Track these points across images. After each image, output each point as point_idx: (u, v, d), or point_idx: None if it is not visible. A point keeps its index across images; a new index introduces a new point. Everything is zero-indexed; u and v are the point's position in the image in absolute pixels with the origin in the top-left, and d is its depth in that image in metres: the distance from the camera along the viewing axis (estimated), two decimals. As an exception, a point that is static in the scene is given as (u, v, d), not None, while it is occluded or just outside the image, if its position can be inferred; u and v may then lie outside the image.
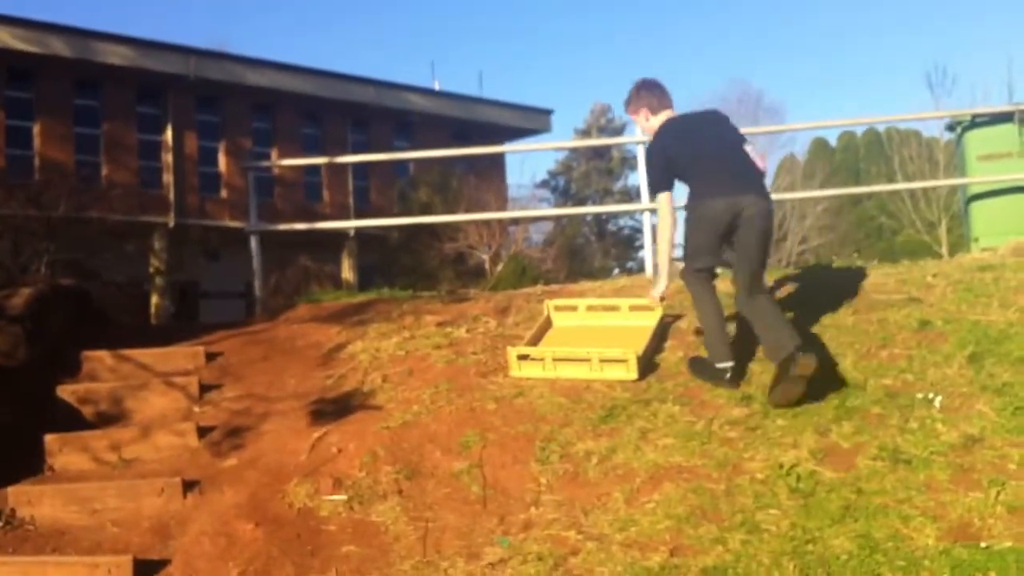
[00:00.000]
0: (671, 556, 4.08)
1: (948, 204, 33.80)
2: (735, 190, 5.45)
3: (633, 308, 6.44)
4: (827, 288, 6.88)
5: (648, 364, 5.80)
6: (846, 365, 5.54)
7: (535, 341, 6.18)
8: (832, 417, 4.94)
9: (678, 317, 6.51)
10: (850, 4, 74.74)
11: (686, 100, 76.38)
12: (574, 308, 6.63)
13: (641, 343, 5.86)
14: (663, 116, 5.84)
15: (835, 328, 6.02)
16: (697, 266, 5.61)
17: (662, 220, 5.66)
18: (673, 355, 5.90)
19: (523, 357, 5.84)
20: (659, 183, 5.71)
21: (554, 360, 5.76)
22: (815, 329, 6.04)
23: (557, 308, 6.62)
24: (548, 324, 6.48)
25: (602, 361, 5.68)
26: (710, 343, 5.55)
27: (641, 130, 6.23)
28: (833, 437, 4.77)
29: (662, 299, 5.86)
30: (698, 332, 5.98)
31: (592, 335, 6.19)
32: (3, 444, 5.38)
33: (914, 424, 4.81)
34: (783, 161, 45.67)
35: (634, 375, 5.60)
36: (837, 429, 4.82)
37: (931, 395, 5.05)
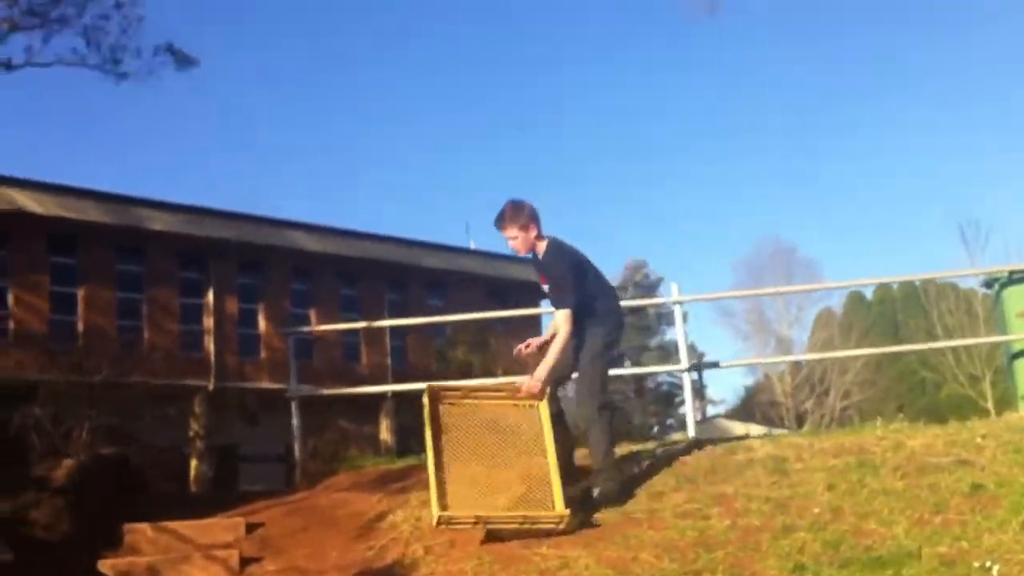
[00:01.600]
0: None
1: (991, 358, 33.48)
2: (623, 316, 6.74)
3: (518, 395, 6.18)
4: (875, 451, 6.77)
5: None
6: (898, 532, 5.40)
7: (441, 478, 5.83)
8: (888, 588, 4.79)
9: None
10: (879, 158, 75.89)
11: (722, 254, 77.11)
12: (457, 390, 6.37)
13: (546, 458, 5.93)
14: (546, 238, 6.41)
15: (885, 494, 5.89)
16: (607, 398, 6.40)
17: (567, 335, 6.13)
18: (720, 523, 5.78)
19: (448, 522, 5.74)
20: (573, 298, 6.21)
21: (489, 522, 5.77)
22: (864, 494, 5.92)
23: (440, 391, 6.24)
24: (436, 418, 6.07)
25: (535, 522, 5.78)
26: (614, 469, 6.35)
27: (516, 245, 6.41)
28: (890, 609, 4.62)
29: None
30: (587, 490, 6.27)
31: (485, 432, 6.03)
32: (43, 621, 5.33)
33: (973, 595, 4.66)
34: (820, 315, 45.68)
35: (563, 527, 5.76)
36: (894, 601, 4.67)
37: (988, 563, 4.89)
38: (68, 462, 6.79)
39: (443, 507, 5.75)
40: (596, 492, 6.22)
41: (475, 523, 5.78)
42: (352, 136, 75.16)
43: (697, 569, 5.23)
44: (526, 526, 5.80)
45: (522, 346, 6.58)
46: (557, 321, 6.29)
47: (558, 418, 6.27)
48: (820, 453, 6.86)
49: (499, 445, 6.06)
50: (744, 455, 7.02)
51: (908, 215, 75.87)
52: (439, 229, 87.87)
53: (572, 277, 6.29)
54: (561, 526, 5.78)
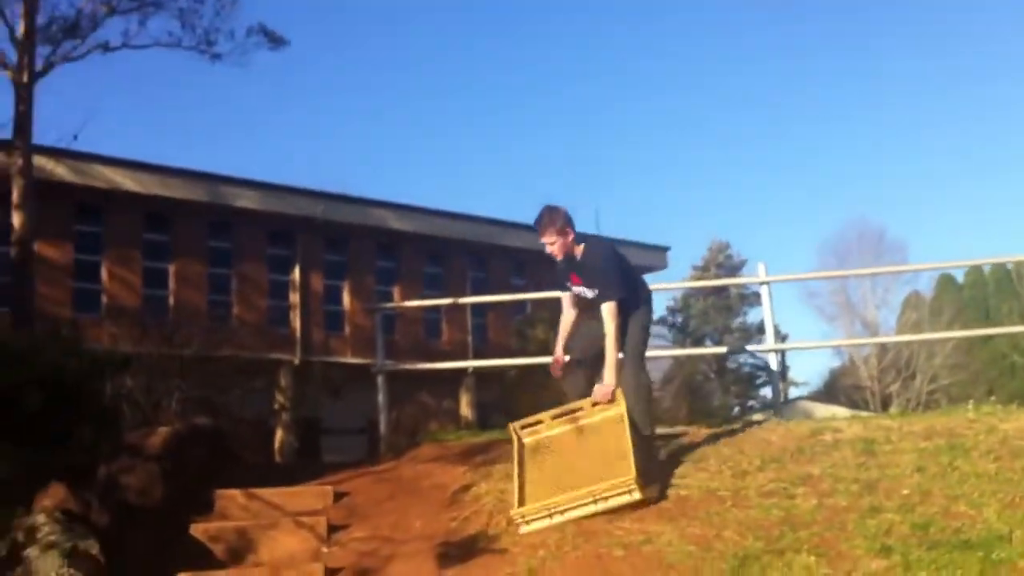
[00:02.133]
0: None
1: (1085, 342, 32.53)
2: None
3: (595, 404, 6.39)
4: (966, 433, 6.65)
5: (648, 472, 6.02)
6: (989, 515, 5.31)
7: (522, 480, 6.10)
8: (978, 571, 4.71)
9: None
10: (973, 138, 73.99)
11: (807, 236, 75.98)
12: (540, 421, 6.54)
13: (623, 442, 5.99)
14: (582, 239, 6.57)
15: (976, 477, 5.79)
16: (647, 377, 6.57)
17: (617, 328, 6.28)
18: (806, 502, 5.73)
19: (523, 517, 5.82)
20: (620, 292, 6.39)
21: (560, 511, 5.80)
22: (955, 477, 5.82)
23: (523, 426, 6.51)
24: (522, 448, 6.38)
25: (606, 498, 5.79)
26: (649, 422, 6.42)
27: (554, 250, 6.50)
28: (980, 593, 4.54)
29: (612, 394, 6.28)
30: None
31: (567, 442, 6.25)
32: (138, 583, 5.48)
33: (1068, 580, 4.56)
34: (908, 297, 44.80)
35: (639, 496, 5.77)
36: (984, 584, 4.59)
37: (1084, 549, 4.79)
38: (163, 430, 6.96)
39: (520, 503, 5.92)
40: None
41: (549, 515, 5.82)
42: (438, 117, 75.59)
43: (781, 548, 5.19)
44: (600, 505, 5.80)
45: (555, 368, 6.70)
46: (603, 315, 6.38)
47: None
48: (910, 435, 6.76)
49: (577, 445, 6.27)
50: (831, 436, 6.95)
51: (1002, 197, 73.89)
52: (522, 209, 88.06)
53: (617, 272, 6.46)
54: (635, 495, 5.78)
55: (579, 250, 6.54)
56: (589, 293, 6.51)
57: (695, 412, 25.08)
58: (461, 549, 5.74)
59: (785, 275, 10.77)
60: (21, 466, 6.69)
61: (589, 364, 6.57)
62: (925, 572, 4.75)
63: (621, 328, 6.37)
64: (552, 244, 6.47)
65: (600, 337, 6.41)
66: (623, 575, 5.13)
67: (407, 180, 72.94)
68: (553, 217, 6.45)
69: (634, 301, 6.54)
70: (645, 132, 77.30)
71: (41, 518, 5.50)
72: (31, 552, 5.19)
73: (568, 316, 6.76)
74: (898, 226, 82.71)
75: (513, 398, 25.52)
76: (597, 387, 6.32)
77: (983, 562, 4.77)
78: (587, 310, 6.65)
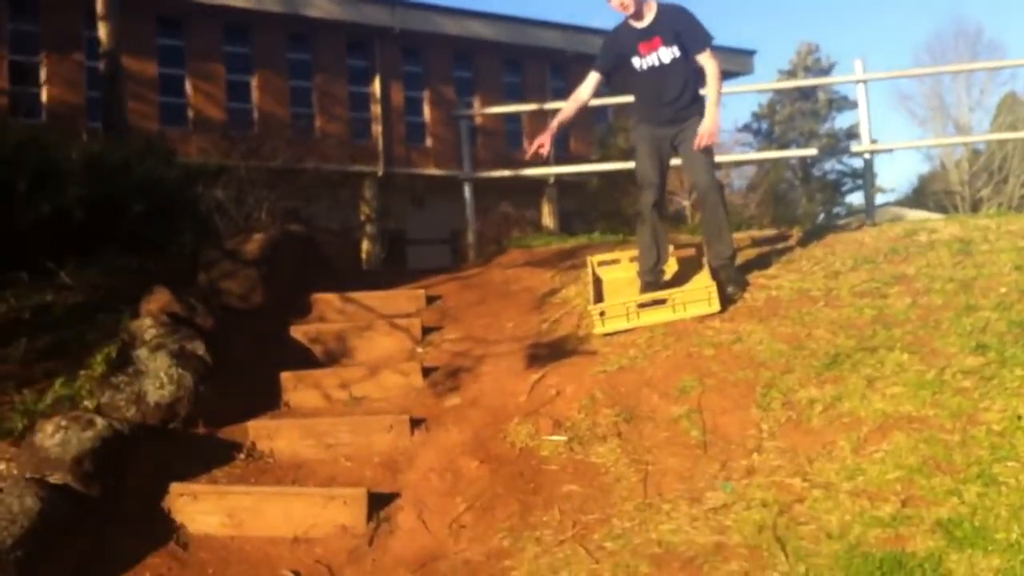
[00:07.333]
0: (903, 507, 3.98)
1: None
2: None
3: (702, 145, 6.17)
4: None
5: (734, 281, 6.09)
6: (1090, 314, 5.22)
7: (599, 298, 6.12)
8: (1075, 367, 4.67)
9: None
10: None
11: (900, 39, 72.88)
12: (617, 261, 6.61)
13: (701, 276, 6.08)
14: None
15: (1076, 274, 5.68)
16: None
17: (719, 68, 6.07)
18: (899, 301, 5.69)
19: (603, 313, 5.86)
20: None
21: (638, 307, 5.84)
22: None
23: (600, 263, 6.57)
24: (599, 280, 6.41)
25: (684, 302, 5.81)
26: (734, 257, 6.22)
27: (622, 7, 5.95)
28: (1077, 388, 4.52)
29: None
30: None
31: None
32: (243, 381, 5.71)
33: None
34: (1004, 99, 43.11)
35: (716, 308, 5.76)
36: (1081, 380, 4.56)
37: None
38: (259, 236, 7.08)
39: (598, 300, 6.02)
40: (731, 289, 6.05)
41: (627, 316, 5.85)
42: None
43: (874, 346, 5.19)
44: (678, 313, 5.81)
45: (538, 147, 6.30)
46: (704, 61, 6.01)
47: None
48: (1008, 234, 6.63)
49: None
50: (926, 236, 6.84)
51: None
52: (601, 16, 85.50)
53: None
54: (714, 305, 5.78)
55: (649, 12, 6.05)
56: (668, 55, 6.00)
57: (779, 219, 24.75)
58: (552, 349, 5.85)
59: (882, 72, 10.35)
60: (126, 272, 6.94)
61: (660, 185, 6.28)
62: (1021, 369, 4.73)
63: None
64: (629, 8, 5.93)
65: (669, 150, 6.22)
66: (714, 372, 5.20)
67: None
68: None
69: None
70: (730, -70, 73.71)
71: (147, 321, 5.69)
72: (140, 353, 5.39)
73: (581, 98, 6.48)
74: (996, 26, 78.71)
75: (594, 207, 25.53)
76: (705, 126, 5.87)
77: (1081, 358, 4.73)
78: (650, 86, 6.15)
